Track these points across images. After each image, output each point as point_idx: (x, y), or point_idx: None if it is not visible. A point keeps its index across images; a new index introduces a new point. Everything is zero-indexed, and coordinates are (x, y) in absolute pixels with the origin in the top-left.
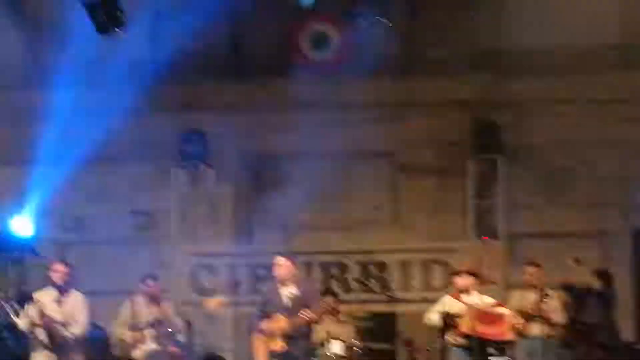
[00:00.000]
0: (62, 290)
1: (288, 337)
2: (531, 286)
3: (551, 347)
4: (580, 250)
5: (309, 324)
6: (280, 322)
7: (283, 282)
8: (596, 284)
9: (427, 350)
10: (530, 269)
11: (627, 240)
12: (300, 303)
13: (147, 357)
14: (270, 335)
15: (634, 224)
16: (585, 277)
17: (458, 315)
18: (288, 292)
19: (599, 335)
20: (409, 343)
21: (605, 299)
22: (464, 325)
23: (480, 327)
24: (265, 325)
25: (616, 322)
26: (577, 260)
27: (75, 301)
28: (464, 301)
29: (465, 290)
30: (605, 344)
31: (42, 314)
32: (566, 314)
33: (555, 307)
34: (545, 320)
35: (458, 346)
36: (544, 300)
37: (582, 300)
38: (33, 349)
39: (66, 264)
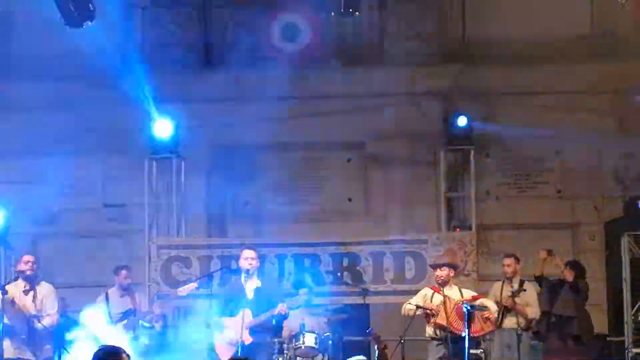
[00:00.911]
0: (31, 281)
1: (254, 331)
2: (508, 278)
3: (525, 339)
4: (552, 241)
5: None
6: (246, 316)
7: (249, 276)
8: (568, 275)
9: (400, 341)
10: (508, 261)
11: (599, 231)
12: (264, 296)
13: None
14: (236, 329)
15: (605, 215)
16: (557, 269)
17: (434, 308)
18: (254, 285)
19: (571, 326)
20: (377, 339)
21: (578, 290)
22: (441, 317)
23: (456, 322)
24: (229, 320)
25: (588, 314)
26: (550, 252)
27: (46, 292)
28: (443, 293)
29: (445, 283)
30: (578, 335)
31: (12, 305)
32: (538, 307)
33: (530, 299)
34: (520, 313)
35: (437, 339)
36: (519, 293)
37: (554, 292)
38: (3, 339)
39: (32, 255)
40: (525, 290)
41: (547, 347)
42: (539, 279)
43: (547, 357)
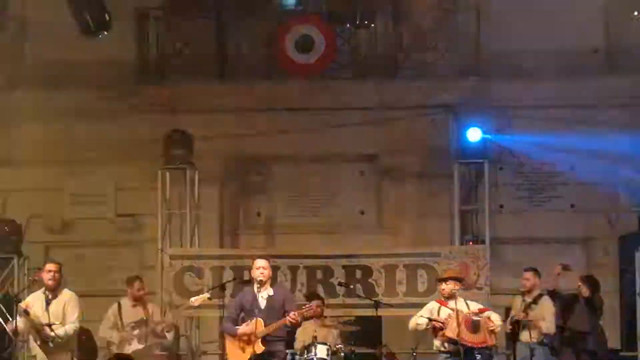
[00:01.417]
0: (54, 289)
1: (266, 341)
2: (526, 292)
3: (540, 354)
4: (566, 255)
5: (292, 327)
6: (258, 325)
7: (262, 285)
8: (584, 290)
9: (413, 355)
10: (527, 275)
11: (613, 245)
12: (277, 306)
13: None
14: (247, 339)
15: (619, 230)
16: (571, 283)
17: (444, 321)
18: (266, 295)
19: (586, 342)
20: (389, 354)
21: (593, 305)
22: (450, 331)
23: (465, 334)
24: (242, 329)
25: (602, 329)
26: (566, 267)
27: (68, 299)
28: (450, 307)
29: (451, 296)
30: (593, 351)
31: (28, 316)
32: (553, 322)
33: (546, 313)
34: (534, 326)
35: (446, 352)
36: (530, 306)
37: (569, 307)
38: (21, 350)
39: (57, 263)
40: (536, 304)
41: None
42: (552, 294)
43: None
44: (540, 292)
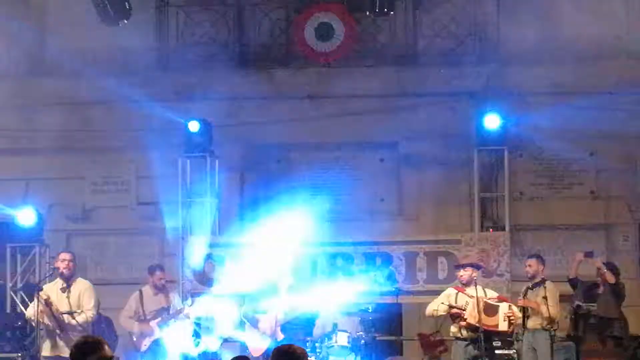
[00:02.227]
0: (68, 278)
1: (286, 328)
2: (529, 278)
3: (555, 340)
4: (586, 242)
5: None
6: (278, 313)
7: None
8: (609, 277)
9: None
10: (529, 262)
11: (633, 231)
12: (297, 294)
13: (153, 345)
14: (268, 325)
15: (639, 216)
16: (587, 270)
17: (462, 308)
18: (287, 282)
19: (613, 328)
20: (423, 336)
21: (618, 292)
22: (470, 317)
23: (484, 320)
24: (262, 316)
25: (624, 316)
26: (588, 254)
27: (83, 288)
28: (467, 293)
29: (469, 283)
30: (620, 336)
31: (49, 304)
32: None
33: (549, 297)
34: (537, 312)
35: (463, 339)
36: (527, 291)
37: (590, 294)
38: (41, 338)
39: (70, 253)
40: (533, 290)
41: (584, 348)
42: (574, 281)
43: (583, 359)
44: (543, 278)
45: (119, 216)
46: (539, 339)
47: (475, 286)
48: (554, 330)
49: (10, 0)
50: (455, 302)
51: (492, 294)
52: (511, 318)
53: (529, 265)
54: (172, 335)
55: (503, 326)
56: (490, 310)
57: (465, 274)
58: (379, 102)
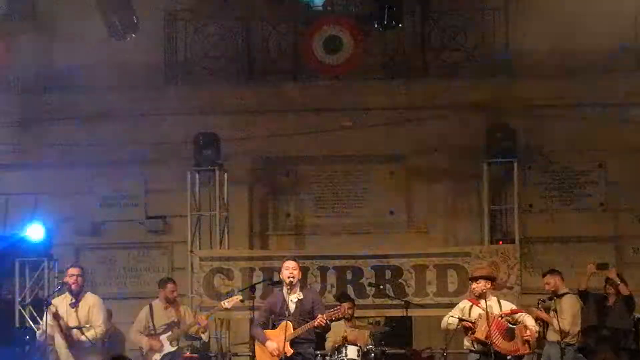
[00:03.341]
0: (77, 293)
1: (295, 344)
2: (554, 293)
3: (568, 353)
4: (595, 254)
5: (322, 329)
6: (288, 328)
7: (292, 287)
8: (624, 289)
9: (444, 354)
10: (545, 279)
11: None
12: (306, 310)
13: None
14: (277, 341)
15: None
16: (593, 282)
17: (474, 322)
18: (296, 299)
19: (628, 340)
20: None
21: (631, 303)
22: (480, 332)
23: (499, 340)
24: (269, 344)
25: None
26: (603, 266)
27: (92, 303)
28: (481, 306)
29: (483, 295)
30: (631, 348)
31: (58, 319)
32: (576, 319)
33: (565, 310)
34: (551, 324)
35: (475, 351)
36: (539, 303)
37: (602, 306)
38: (50, 353)
39: (79, 267)
40: (544, 302)
41: None
42: (584, 294)
43: None
44: (563, 292)
45: (127, 230)
46: (551, 351)
47: (485, 300)
48: (565, 343)
49: (18, 14)
50: (469, 315)
51: (507, 305)
52: (529, 339)
53: (547, 283)
54: None
55: (524, 349)
56: (508, 334)
57: (477, 286)
58: (388, 115)
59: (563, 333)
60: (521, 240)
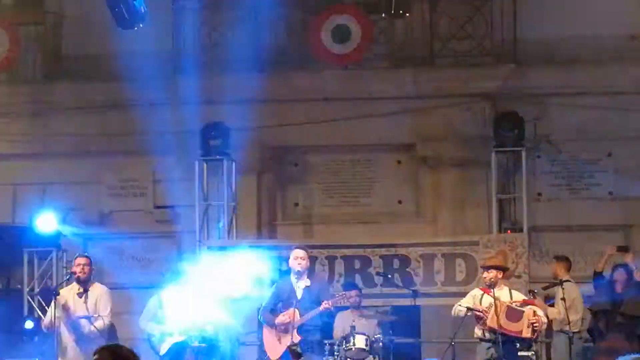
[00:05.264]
0: (85, 283)
1: (302, 331)
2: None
3: (577, 343)
4: (604, 243)
5: (327, 316)
6: (295, 315)
7: (300, 276)
8: (638, 274)
9: (451, 344)
10: (553, 265)
11: None
12: (314, 297)
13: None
14: (284, 328)
15: None
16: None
17: (485, 310)
18: (303, 285)
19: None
20: None
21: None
22: (491, 320)
23: (505, 322)
24: (279, 318)
25: None
26: (622, 248)
27: (99, 293)
28: (493, 295)
29: (494, 284)
30: None
31: (66, 308)
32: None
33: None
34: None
35: (486, 340)
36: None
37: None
38: (58, 343)
39: (86, 257)
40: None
41: (607, 346)
42: (600, 276)
43: (601, 357)
44: (564, 279)
45: (135, 220)
46: (557, 341)
47: (498, 288)
48: (573, 332)
49: (26, 5)
50: (480, 304)
51: (518, 296)
52: (535, 325)
53: (553, 268)
54: None
55: (527, 332)
56: (515, 315)
57: (488, 275)
58: (396, 104)
59: (556, 321)
60: (529, 229)
